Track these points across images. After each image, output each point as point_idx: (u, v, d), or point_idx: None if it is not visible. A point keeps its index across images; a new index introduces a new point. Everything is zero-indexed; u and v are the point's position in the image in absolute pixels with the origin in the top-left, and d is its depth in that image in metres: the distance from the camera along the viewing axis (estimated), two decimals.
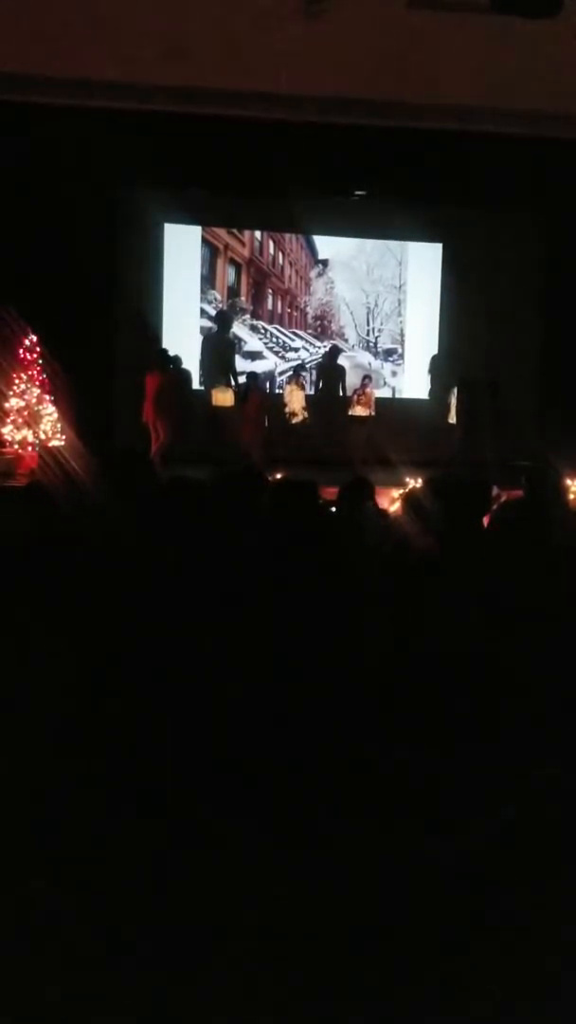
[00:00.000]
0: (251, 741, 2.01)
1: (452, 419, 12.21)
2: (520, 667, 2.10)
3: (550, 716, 2.04)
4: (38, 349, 10.62)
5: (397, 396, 13.52)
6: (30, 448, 10.27)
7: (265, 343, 13.37)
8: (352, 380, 12.84)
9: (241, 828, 1.87)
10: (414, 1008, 1.64)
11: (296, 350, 13.44)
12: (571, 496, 6.59)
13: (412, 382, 13.52)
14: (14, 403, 10.45)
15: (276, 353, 13.40)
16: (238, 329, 13.26)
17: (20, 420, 10.45)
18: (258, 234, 13.21)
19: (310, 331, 13.50)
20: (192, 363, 12.71)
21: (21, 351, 10.55)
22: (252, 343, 13.32)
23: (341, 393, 12.82)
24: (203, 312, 13.11)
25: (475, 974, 1.67)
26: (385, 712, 2.03)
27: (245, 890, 1.78)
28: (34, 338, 10.58)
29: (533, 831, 1.84)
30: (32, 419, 10.49)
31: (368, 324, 13.57)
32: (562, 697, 2.07)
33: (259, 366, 13.10)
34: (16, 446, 10.36)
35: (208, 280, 13.13)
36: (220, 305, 13.20)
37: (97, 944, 1.74)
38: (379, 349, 13.62)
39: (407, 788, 1.93)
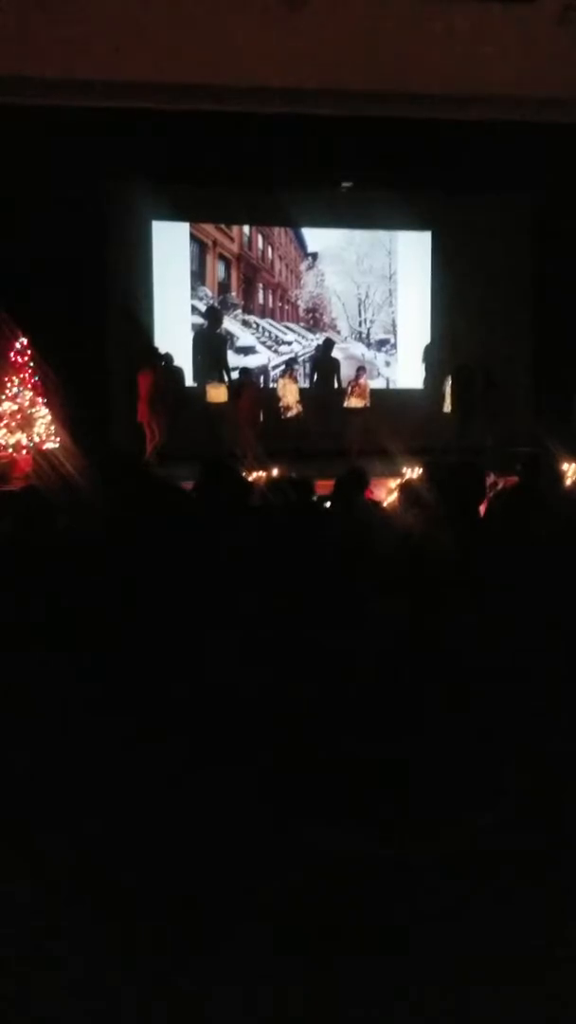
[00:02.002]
0: (252, 740, 2.00)
1: (447, 408, 12.18)
2: (519, 659, 2.10)
3: (549, 709, 2.04)
4: (29, 352, 10.59)
5: (391, 386, 13.50)
6: (24, 452, 10.25)
7: (257, 337, 13.34)
8: (346, 372, 12.81)
9: (241, 827, 1.86)
10: (414, 1008, 1.63)
11: (289, 343, 13.41)
12: (568, 481, 6.58)
13: (406, 372, 13.50)
14: (7, 407, 10.43)
15: (269, 347, 13.37)
16: (230, 324, 13.23)
17: (13, 424, 10.42)
18: (247, 229, 13.17)
19: (302, 324, 13.47)
20: (184, 360, 12.68)
21: (12, 354, 10.51)
22: (244, 338, 13.29)
23: (335, 386, 12.80)
24: (194, 309, 13.07)
25: (474, 973, 1.66)
26: (386, 708, 2.03)
27: (244, 890, 1.78)
28: (24, 340, 10.54)
29: (534, 829, 1.83)
30: (25, 422, 10.46)
31: (360, 315, 13.54)
32: (561, 688, 2.07)
33: (252, 361, 13.08)
34: (10, 450, 10.34)
35: (198, 276, 13.09)
36: (211, 301, 13.17)
37: (96, 944, 1.74)
38: (372, 340, 13.60)
39: (408, 787, 1.92)
